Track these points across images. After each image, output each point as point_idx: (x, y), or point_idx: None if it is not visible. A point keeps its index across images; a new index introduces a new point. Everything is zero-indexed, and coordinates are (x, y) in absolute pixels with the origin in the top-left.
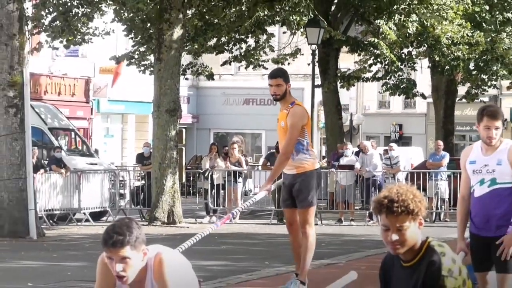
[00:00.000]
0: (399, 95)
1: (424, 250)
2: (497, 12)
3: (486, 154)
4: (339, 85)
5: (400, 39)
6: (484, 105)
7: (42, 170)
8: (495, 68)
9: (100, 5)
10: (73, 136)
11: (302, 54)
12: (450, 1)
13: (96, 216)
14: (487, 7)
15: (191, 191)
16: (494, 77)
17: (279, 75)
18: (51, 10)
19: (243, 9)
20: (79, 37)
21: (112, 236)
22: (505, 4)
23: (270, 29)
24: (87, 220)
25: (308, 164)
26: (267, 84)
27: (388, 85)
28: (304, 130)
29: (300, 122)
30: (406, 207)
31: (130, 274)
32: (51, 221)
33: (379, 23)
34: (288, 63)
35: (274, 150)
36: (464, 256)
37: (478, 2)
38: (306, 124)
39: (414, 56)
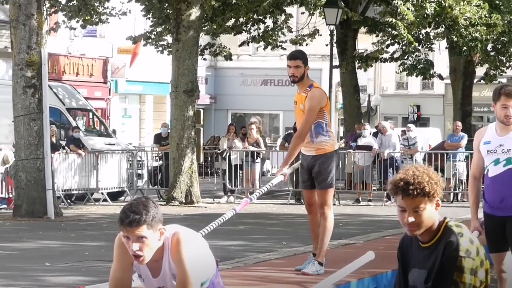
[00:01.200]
0: (416, 76)
1: (442, 231)
2: None
3: (501, 135)
4: (357, 66)
5: (418, 19)
6: (501, 85)
7: (62, 150)
8: None
9: None
10: (91, 116)
11: (320, 35)
12: None
13: (114, 196)
14: None
15: (209, 172)
16: None
17: (298, 57)
18: None
19: None
20: (95, 17)
21: (128, 215)
22: None
23: (288, 9)
24: (104, 200)
25: (328, 146)
26: (286, 65)
27: (406, 66)
28: (323, 112)
29: (318, 105)
30: (422, 190)
31: (147, 254)
32: (69, 201)
33: (397, 3)
34: (306, 44)
35: (292, 131)
36: (478, 235)
37: None
38: (325, 106)
39: (432, 37)
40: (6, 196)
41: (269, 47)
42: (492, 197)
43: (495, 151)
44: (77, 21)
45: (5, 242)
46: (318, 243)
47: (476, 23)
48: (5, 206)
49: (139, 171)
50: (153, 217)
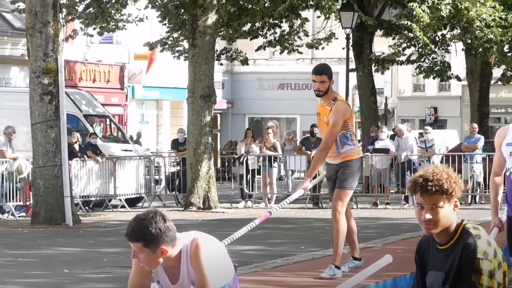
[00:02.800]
0: (433, 78)
1: (459, 233)
2: None
3: None
4: (373, 68)
5: (434, 22)
6: None
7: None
8: None
9: None
10: (108, 122)
11: (337, 38)
12: None
13: (132, 202)
14: None
15: (226, 177)
16: None
17: (324, 72)
18: None
19: None
20: (112, 23)
21: (128, 231)
22: None
23: (304, 13)
24: (122, 206)
25: (353, 153)
26: (301, 69)
27: (422, 68)
28: (347, 124)
29: (342, 119)
30: (440, 187)
31: (149, 266)
32: (87, 208)
33: (413, 6)
34: (323, 48)
35: (309, 135)
36: (498, 232)
37: None
38: (349, 118)
39: (448, 39)
40: (25, 204)
41: (286, 51)
42: None
43: None
44: (94, 28)
45: (24, 249)
46: (333, 247)
47: (492, 24)
48: (23, 213)
49: (157, 177)
50: (151, 238)
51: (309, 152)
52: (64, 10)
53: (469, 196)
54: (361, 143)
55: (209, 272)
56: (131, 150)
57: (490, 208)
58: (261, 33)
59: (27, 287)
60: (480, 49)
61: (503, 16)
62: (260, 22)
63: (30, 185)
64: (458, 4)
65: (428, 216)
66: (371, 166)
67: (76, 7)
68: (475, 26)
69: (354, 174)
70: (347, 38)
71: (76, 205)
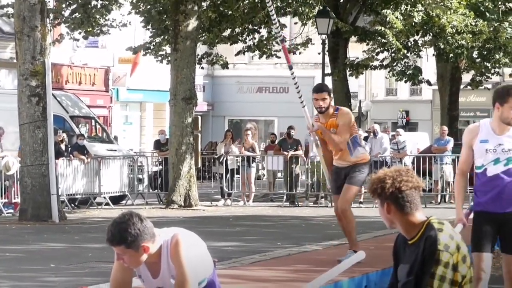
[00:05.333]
0: (405, 81)
1: (424, 228)
2: (500, 2)
3: (501, 134)
4: (348, 73)
5: (406, 28)
6: (506, 86)
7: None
8: (497, 56)
9: None
10: (93, 123)
11: (313, 44)
12: None
13: (116, 200)
14: None
15: (207, 176)
16: (497, 65)
17: (325, 89)
18: (71, 2)
19: (256, 0)
20: (97, 28)
21: (108, 235)
22: None
23: (282, 20)
24: (107, 204)
25: (365, 156)
26: (279, 74)
27: (395, 71)
28: (355, 126)
29: (351, 119)
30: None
31: (132, 264)
32: (72, 205)
33: (386, 13)
34: (300, 53)
35: (285, 136)
36: (462, 228)
37: None
38: (354, 122)
39: (420, 45)
40: (12, 201)
41: (264, 56)
42: (489, 194)
43: (494, 150)
44: (80, 33)
45: (12, 244)
46: (348, 237)
47: (462, 30)
48: (11, 210)
49: (140, 176)
50: (132, 239)
51: (285, 153)
52: (51, 15)
53: (439, 196)
54: None
55: (189, 267)
56: (115, 150)
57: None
58: (240, 38)
59: (14, 281)
60: (452, 55)
61: (473, 23)
62: (240, 28)
63: (18, 183)
64: (430, 12)
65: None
66: None
67: (63, 12)
68: (447, 32)
69: (363, 173)
70: (323, 43)
71: (62, 203)
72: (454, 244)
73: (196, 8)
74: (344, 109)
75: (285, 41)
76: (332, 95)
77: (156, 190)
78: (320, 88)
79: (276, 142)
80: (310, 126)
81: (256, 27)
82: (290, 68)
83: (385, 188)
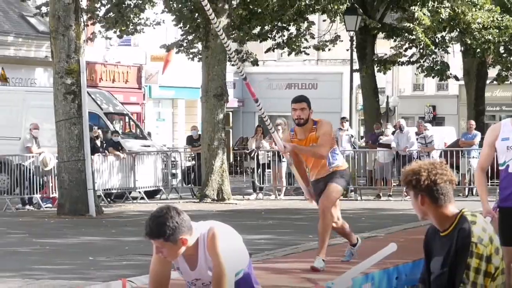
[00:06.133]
0: (433, 77)
1: (458, 220)
2: None
3: None
4: (376, 69)
5: (434, 24)
6: None
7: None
8: None
9: None
10: (127, 120)
11: (341, 41)
12: None
13: (151, 194)
14: None
15: (238, 170)
16: None
17: (304, 100)
18: (105, 2)
19: None
20: (131, 27)
21: (146, 229)
22: None
23: (310, 17)
24: (142, 198)
25: (342, 166)
26: (308, 70)
27: (423, 68)
28: (334, 138)
29: (330, 129)
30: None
31: (170, 257)
32: (108, 200)
33: (414, 9)
34: (328, 49)
35: None
36: (491, 220)
37: None
38: (334, 134)
39: (447, 41)
40: (51, 196)
41: (293, 53)
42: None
43: None
44: (114, 32)
45: (51, 238)
46: (320, 239)
47: (489, 26)
48: (50, 204)
49: (173, 171)
50: (170, 232)
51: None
52: (85, 14)
53: (466, 189)
54: (364, 139)
55: (225, 259)
56: (149, 146)
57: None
58: (270, 35)
59: (54, 273)
60: (478, 50)
61: (499, 18)
62: (269, 26)
63: (55, 178)
64: (456, 8)
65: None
66: (374, 161)
67: (97, 12)
68: (473, 28)
69: (344, 178)
70: (351, 40)
71: (98, 197)
72: (487, 236)
73: (226, 6)
74: (323, 120)
75: (247, 79)
76: (311, 109)
77: (190, 185)
78: (299, 99)
79: None
80: (281, 149)
81: (285, 25)
82: (256, 101)
83: (420, 181)
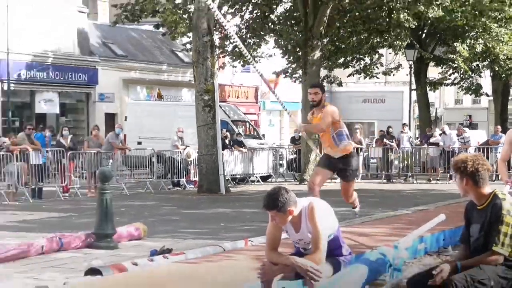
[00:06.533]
0: (470, 94)
1: (492, 197)
2: None
3: None
4: (428, 88)
5: (471, 56)
6: None
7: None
8: None
9: (265, 37)
10: (247, 125)
11: (403, 68)
12: (505, 29)
13: (264, 178)
14: None
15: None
16: None
17: (317, 86)
18: (232, 41)
19: (362, 38)
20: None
21: (264, 203)
22: None
23: (380, 51)
24: (258, 181)
25: (348, 147)
26: (378, 89)
27: (463, 87)
28: (340, 123)
29: (330, 116)
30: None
31: (281, 223)
32: (234, 182)
33: (456, 45)
34: (393, 74)
35: (385, 133)
36: (510, 188)
37: None
38: (338, 119)
39: (480, 68)
40: (193, 179)
41: (367, 77)
42: None
43: None
44: (238, 62)
45: (193, 209)
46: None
47: None
48: (192, 186)
49: (280, 162)
50: (281, 205)
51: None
52: (217, 49)
53: (493, 175)
54: (419, 139)
55: (320, 225)
56: (263, 144)
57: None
58: (351, 64)
59: (196, 235)
60: (504, 75)
61: None
62: (350, 57)
63: (196, 167)
64: (488, 44)
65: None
66: (426, 155)
67: (226, 48)
68: (500, 58)
69: (354, 169)
70: (410, 67)
71: (227, 180)
72: None
73: (319, 43)
74: (329, 106)
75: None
76: (325, 93)
77: (293, 172)
78: (313, 85)
79: (376, 138)
80: (298, 128)
81: (362, 56)
82: (273, 92)
83: (467, 168)
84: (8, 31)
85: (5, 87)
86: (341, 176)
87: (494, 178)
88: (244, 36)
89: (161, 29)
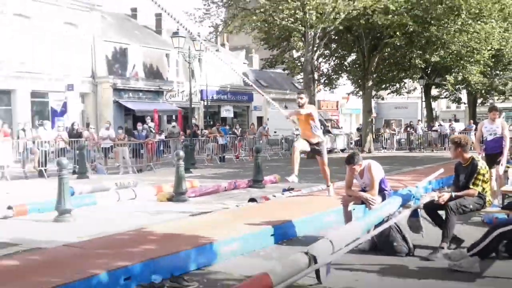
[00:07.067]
0: (454, 103)
1: (471, 160)
2: None
3: (491, 124)
4: (431, 100)
5: (455, 82)
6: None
7: None
8: None
9: (341, 73)
10: (332, 122)
11: (417, 89)
12: (475, 67)
13: (342, 150)
14: None
15: None
16: None
17: (301, 93)
18: (323, 77)
19: (394, 73)
20: (334, 86)
21: (346, 159)
22: None
23: (405, 80)
24: (338, 152)
25: (320, 137)
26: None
27: (451, 99)
28: (315, 118)
29: (311, 109)
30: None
31: (354, 173)
32: None
33: (447, 76)
34: (412, 93)
35: (408, 125)
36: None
37: None
38: (315, 114)
39: (460, 88)
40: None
41: (398, 95)
42: (488, 147)
43: (489, 130)
44: (329, 88)
45: (305, 167)
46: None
47: None
48: (303, 155)
49: (351, 141)
50: (355, 162)
51: None
52: (316, 81)
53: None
54: (426, 128)
55: (375, 174)
56: (341, 131)
57: None
58: (389, 88)
59: (306, 181)
60: (473, 92)
61: None
62: (388, 84)
63: None
64: (464, 75)
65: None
66: (431, 137)
67: (321, 80)
68: (472, 83)
69: (325, 149)
70: (421, 89)
71: None
72: (485, 166)
73: (371, 77)
74: (310, 105)
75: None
76: (307, 98)
77: (357, 146)
78: (299, 92)
79: (404, 127)
80: (285, 116)
81: (394, 83)
82: (263, 95)
83: (460, 141)
84: (207, 75)
85: (205, 103)
86: (316, 153)
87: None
88: (331, 73)
89: (286, 71)
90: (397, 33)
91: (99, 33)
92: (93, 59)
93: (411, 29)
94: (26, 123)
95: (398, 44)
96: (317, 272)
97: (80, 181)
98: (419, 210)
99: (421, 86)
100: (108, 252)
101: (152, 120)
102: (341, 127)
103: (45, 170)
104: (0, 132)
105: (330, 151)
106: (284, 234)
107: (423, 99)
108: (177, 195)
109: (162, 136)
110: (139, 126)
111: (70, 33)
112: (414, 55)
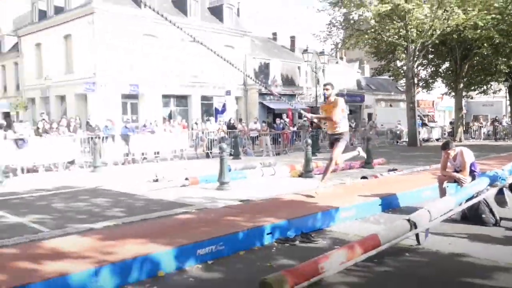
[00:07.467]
0: None
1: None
2: None
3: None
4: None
5: None
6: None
7: None
8: None
9: (436, 78)
10: (429, 117)
11: (501, 90)
12: None
13: (437, 139)
14: None
15: None
16: None
17: (327, 84)
18: (417, 79)
19: (482, 77)
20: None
21: (441, 147)
22: None
23: (491, 82)
24: (433, 140)
25: (344, 129)
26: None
27: None
28: (345, 111)
29: (342, 104)
30: None
31: (448, 157)
32: (422, 140)
33: None
34: (497, 93)
35: (494, 119)
36: None
37: None
38: (343, 108)
39: None
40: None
41: (485, 94)
42: None
43: None
44: (426, 90)
45: (404, 152)
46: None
47: None
48: (403, 142)
49: (444, 132)
50: (449, 148)
51: None
52: (416, 85)
53: None
54: (510, 122)
55: (466, 158)
56: (436, 124)
57: None
58: (478, 89)
59: (406, 164)
60: None
61: None
62: (477, 86)
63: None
64: None
65: None
66: None
67: (420, 84)
68: None
69: (344, 139)
70: (506, 90)
71: (420, 139)
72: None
73: (462, 80)
74: (338, 98)
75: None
76: (334, 89)
77: (450, 136)
78: (325, 84)
79: (491, 121)
80: (308, 117)
81: (482, 85)
82: (274, 94)
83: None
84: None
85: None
86: (335, 141)
87: None
88: (428, 78)
89: (391, 77)
90: (485, 44)
91: (249, 52)
92: (244, 72)
93: (497, 41)
94: (198, 118)
95: (486, 53)
96: (417, 235)
97: (235, 161)
98: (504, 188)
99: (506, 88)
100: (255, 213)
101: (287, 116)
102: (436, 121)
103: (210, 152)
104: (180, 125)
105: (426, 140)
106: (389, 204)
107: (507, 98)
108: (306, 173)
109: (295, 128)
110: (278, 120)
111: (228, 53)
112: (499, 62)
